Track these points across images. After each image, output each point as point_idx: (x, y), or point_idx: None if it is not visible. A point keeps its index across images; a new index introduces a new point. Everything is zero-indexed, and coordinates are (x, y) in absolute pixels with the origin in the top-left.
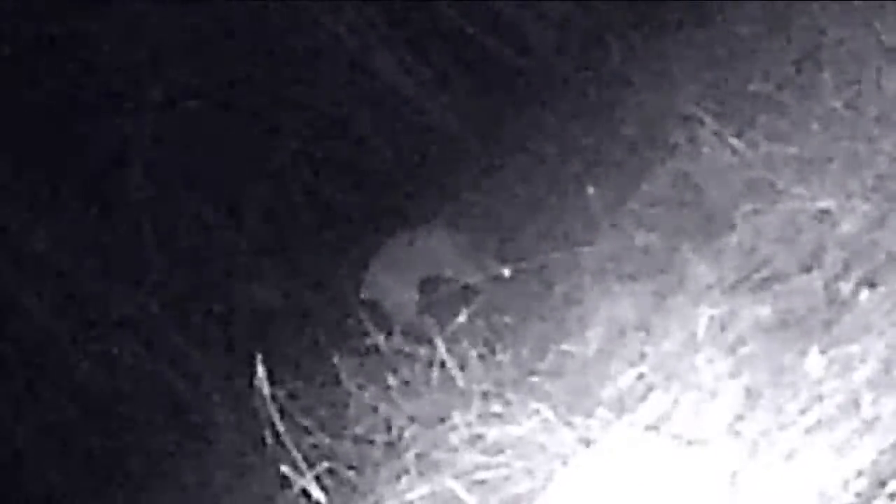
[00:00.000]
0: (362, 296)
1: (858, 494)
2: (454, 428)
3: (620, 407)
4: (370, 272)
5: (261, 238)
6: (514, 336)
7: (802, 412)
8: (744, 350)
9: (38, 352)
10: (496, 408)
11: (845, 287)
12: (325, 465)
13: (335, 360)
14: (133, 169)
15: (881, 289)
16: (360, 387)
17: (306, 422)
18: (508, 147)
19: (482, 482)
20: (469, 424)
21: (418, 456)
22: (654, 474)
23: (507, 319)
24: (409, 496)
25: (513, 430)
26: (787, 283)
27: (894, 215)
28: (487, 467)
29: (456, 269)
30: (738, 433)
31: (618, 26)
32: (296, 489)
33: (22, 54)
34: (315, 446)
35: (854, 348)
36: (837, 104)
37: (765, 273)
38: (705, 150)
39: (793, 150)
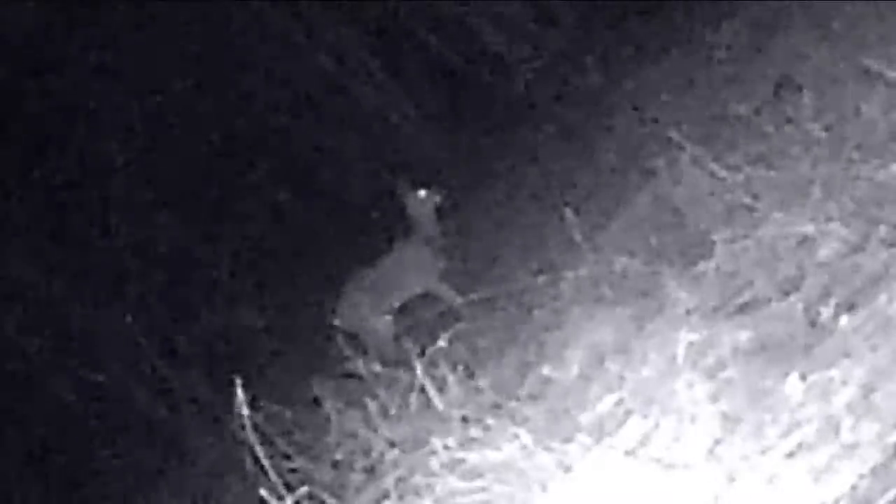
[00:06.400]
0: (337, 323)
1: None
2: (433, 452)
3: (600, 432)
4: (345, 300)
5: (240, 262)
6: (494, 360)
7: (782, 437)
8: (723, 375)
9: (16, 374)
10: (475, 432)
11: (825, 312)
12: (305, 489)
13: (314, 384)
14: (113, 193)
15: (861, 313)
16: (340, 411)
17: (285, 446)
18: (487, 171)
19: None
20: (448, 449)
21: (398, 480)
22: (634, 499)
23: (486, 344)
24: None
25: (492, 455)
26: (766, 308)
27: (874, 240)
28: (467, 492)
29: (435, 293)
30: (717, 458)
31: (597, 51)
32: None
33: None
34: (294, 471)
35: (834, 373)
36: (817, 128)
37: (744, 298)
38: (685, 174)
39: (772, 174)
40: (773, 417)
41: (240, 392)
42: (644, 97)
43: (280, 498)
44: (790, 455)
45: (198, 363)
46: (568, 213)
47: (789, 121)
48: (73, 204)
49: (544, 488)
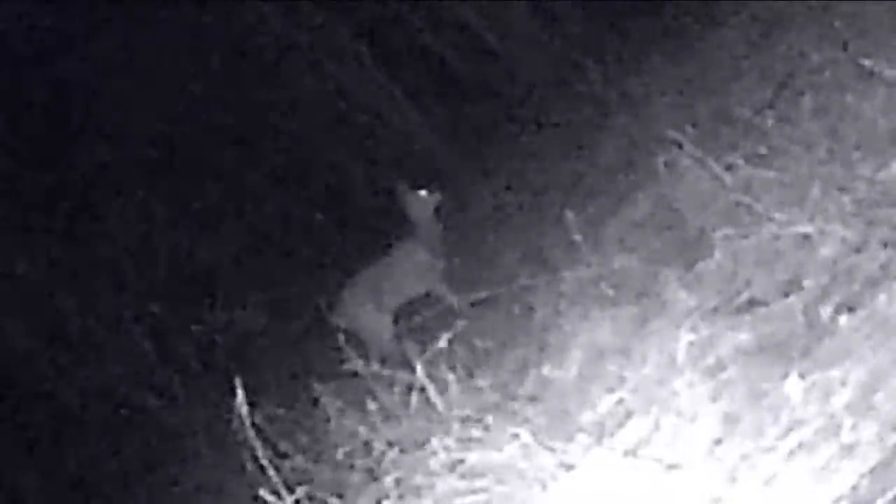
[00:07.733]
0: (337, 323)
1: None
2: (434, 453)
3: (600, 431)
4: (345, 300)
5: (240, 262)
6: (494, 361)
7: (782, 437)
8: (723, 375)
9: (15, 375)
10: (476, 433)
11: (825, 312)
12: (305, 489)
13: (314, 384)
14: (113, 192)
15: (860, 313)
16: (340, 411)
17: (285, 446)
18: (487, 172)
19: None
20: (448, 449)
21: (398, 481)
22: (634, 499)
23: (486, 344)
24: None
25: (492, 455)
26: (766, 308)
27: (873, 240)
28: (467, 492)
29: (435, 293)
30: (717, 458)
31: (597, 50)
32: None
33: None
34: (294, 471)
35: (834, 373)
36: (817, 128)
37: (744, 297)
38: (685, 174)
39: (772, 174)
40: (773, 417)
41: (240, 392)
42: (644, 97)
43: (280, 498)
44: (790, 455)
45: (198, 363)
46: (568, 213)
47: (789, 121)
48: (73, 204)
49: (544, 488)
